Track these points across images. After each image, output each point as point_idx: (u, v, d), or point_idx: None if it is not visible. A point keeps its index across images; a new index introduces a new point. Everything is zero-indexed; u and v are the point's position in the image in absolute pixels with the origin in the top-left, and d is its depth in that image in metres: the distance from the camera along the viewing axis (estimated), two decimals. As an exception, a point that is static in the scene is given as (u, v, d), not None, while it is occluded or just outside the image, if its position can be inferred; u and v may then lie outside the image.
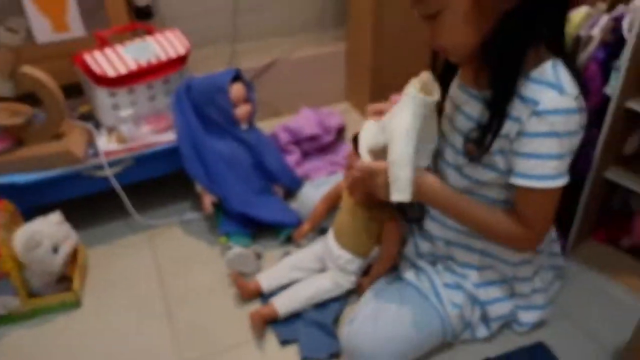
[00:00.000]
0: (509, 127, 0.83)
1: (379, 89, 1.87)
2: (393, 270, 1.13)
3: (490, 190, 0.93)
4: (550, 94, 0.80)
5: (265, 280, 1.22)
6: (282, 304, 1.14)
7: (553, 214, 0.89)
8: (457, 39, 0.81)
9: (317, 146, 1.70)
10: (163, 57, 1.45)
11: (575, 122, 0.82)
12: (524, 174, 0.83)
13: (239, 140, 1.42)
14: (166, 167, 1.45)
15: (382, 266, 1.12)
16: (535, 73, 0.81)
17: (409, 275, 1.06)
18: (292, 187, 1.50)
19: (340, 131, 1.80)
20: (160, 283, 1.31)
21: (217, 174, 1.38)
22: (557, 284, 1.14)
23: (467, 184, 0.95)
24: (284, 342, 1.12)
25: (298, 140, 1.67)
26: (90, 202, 1.46)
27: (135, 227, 1.46)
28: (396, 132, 0.87)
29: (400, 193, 0.86)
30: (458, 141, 0.94)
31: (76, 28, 1.58)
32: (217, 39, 1.91)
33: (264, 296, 1.22)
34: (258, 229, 1.39)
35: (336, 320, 1.15)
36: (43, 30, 1.55)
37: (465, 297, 1.00)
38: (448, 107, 0.99)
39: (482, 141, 0.86)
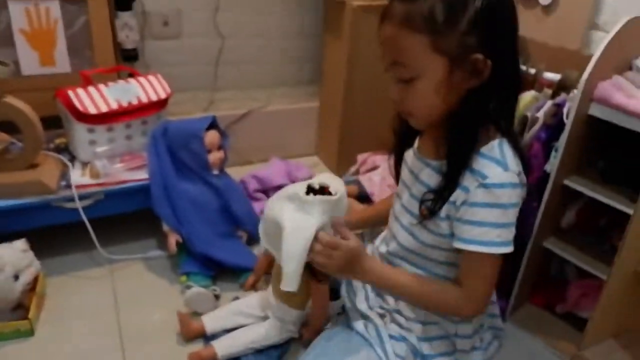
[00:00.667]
0: (457, 195, 0.93)
1: (346, 146, 1.98)
2: (342, 318, 1.19)
3: (434, 252, 1.02)
4: (496, 169, 0.90)
5: (210, 322, 1.26)
6: (222, 347, 1.18)
7: (495, 279, 0.97)
8: (424, 106, 0.91)
9: (283, 195, 1.77)
10: (144, 100, 1.53)
11: (518, 195, 0.91)
12: (470, 240, 0.92)
13: (208, 185, 1.49)
14: (135, 204, 1.50)
15: (315, 319, 1.18)
16: (485, 149, 0.91)
17: (358, 325, 1.12)
18: (255, 233, 1.56)
19: (307, 183, 1.89)
20: (116, 317, 1.33)
21: (183, 215, 1.44)
22: (495, 343, 1.21)
23: (415, 245, 1.03)
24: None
25: (266, 189, 1.75)
26: (56, 231, 1.48)
27: (98, 260, 1.49)
28: (285, 230, 0.94)
29: (287, 286, 0.95)
30: (414, 206, 1.03)
31: (62, 64, 1.65)
32: (197, 86, 2.00)
33: (207, 337, 1.26)
34: (219, 271, 1.44)
35: (275, 366, 1.21)
36: (30, 63, 1.61)
37: (409, 350, 1.06)
38: (404, 173, 1.08)
39: (434, 205, 0.95)
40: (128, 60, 1.79)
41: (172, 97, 1.65)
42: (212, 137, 1.48)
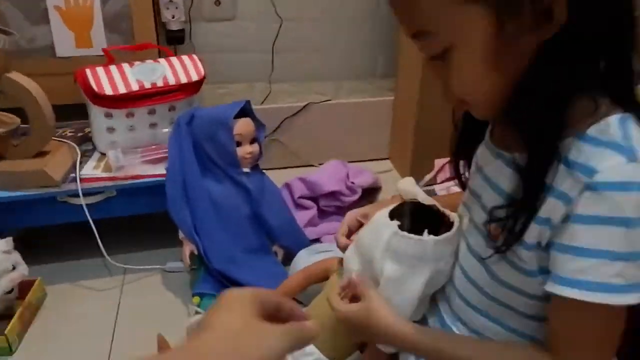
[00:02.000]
0: (551, 206, 0.55)
1: (423, 149, 1.62)
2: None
3: (517, 299, 0.64)
4: (615, 159, 0.52)
5: None
6: None
7: (613, 346, 0.58)
8: (474, 84, 0.56)
9: (337, 205, 1.45)
10: (171, 81, 1.29)
11: None
12: (567, 279, 0.54)
13: (237, 185, 1.21)
14: (153, 205, 1.25)
15: None
16: (593, 130, 0.54)
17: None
18: (295, 249, 1.25)
19: (371, 192, 1.55)
20: (111, 337, 1.10)
21: (203, 221, 1.17)
22: None
23: (489, 283, 0.66)
24: None
25: (315, 196, 1.43)
26: (64, 232, 1.28)
27: (109, 269, 1.27)
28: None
29: None
30: (480, 218, 0.66)
31: (99, 45, 1.48)
32: (252, 76, 1.77)
33: None
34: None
35: None
36: (65, 43, 1.46)
37: None
38: (474, 177, 0.72)
39: (512, 224, 0.59)
40: (172, 43, 1.59)
41: (223, 86, 1.43)
42: (243, 126, 1.19)
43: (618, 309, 0.54)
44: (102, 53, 1.37)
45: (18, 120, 1.23)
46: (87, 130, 1.42)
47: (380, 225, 0.71)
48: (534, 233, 0.56)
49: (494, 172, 0.65)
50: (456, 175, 0.77)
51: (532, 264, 0.58)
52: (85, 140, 1.37)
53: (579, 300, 0.53)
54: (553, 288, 0.55)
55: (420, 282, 0.69)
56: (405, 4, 0.55)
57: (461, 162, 0.75)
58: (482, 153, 0.69)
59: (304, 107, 1.71)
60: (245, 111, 1.21)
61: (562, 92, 0.53)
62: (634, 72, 0.56)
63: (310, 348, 0.85)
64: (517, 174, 0.58)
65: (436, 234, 0.69)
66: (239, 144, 1.19)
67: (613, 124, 0.54)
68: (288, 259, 1.25)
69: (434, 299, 0.76)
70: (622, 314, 0.56)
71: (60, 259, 1.30)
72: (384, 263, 0.70)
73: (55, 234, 1.32)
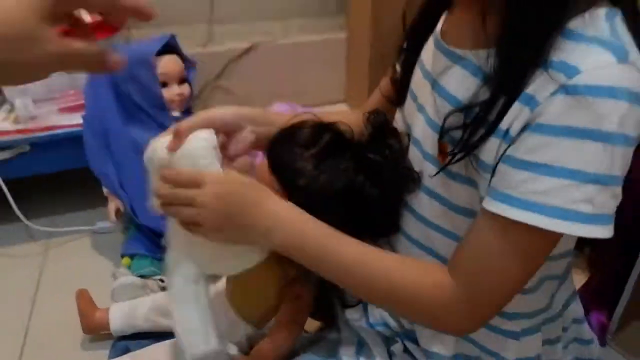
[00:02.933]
0: (514, 114, 0.44)
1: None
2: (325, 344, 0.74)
3: (464, 225, 0.54)
4: (604, 58, 0.41)
5: (119, 317, 0.89)
6: None
7: (525, 276, 0.49)
8: None
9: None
10: (89, 18, 1.13)
11: (637, 117, 0.42)
12: (522, 201, 0.44)
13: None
14: (74, 160, 1.12)
15: (267, 349, 0.72)
16: (577, 24, 0.43)
17: (348, 352, 0.67)
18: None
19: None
20: (30, 308, 0.99)
21: (128, 174, 1.04)
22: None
23: (437, 210, 0.56)
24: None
25: (260, 142, 1.32)
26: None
27: (31, 234, 1.14)
28: None
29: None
30: (428, 137, 0.55)
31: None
32: (191, 18, 1.60)
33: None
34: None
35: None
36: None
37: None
38: (417, 82, 0.60)
39: (471, 133, 0.47)
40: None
41: (163, 28, 1.27)
42: (169, 63, 1.06)
43: (552, 237, 0.45)
44: None
45: None
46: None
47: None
48: (495, 144, 0.46)
49: (448, 77, 0.53)
50: (396, 75, 0.65)
51: (475, 177, 0.48)
52: (-3, 91, 1.21)
53: (531, 225, 0.43)
54: (498, 208, 0.45)
55: None
56: None
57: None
58: (432, 57, 0.57)
59: (249, 48, 1.57)
60: (171, 47, 1.07)
61: None
62: None
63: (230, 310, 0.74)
64: (477, 77, 0.47)
65: None
66: (165, 84, 1.05)
67: (599, 16, 0.42)
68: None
69: None
70: (552, 244, 0.47)
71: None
72: None
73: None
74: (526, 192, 0.43)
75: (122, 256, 1.03)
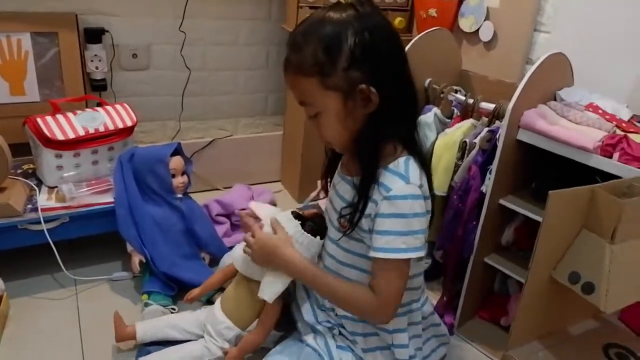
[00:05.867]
0: (370, 208, 1.02)
1: (308, 173, 2.07)
2: (294, 334, 1.25)
3: (363, 262, 1.10)
4: (399, 182, 1.00)
5: (142, 329, 1.30)
6: None
7: (402, 285, 1.04)
8: (333, 134, 1.02)
9: (246, 219, 1.85)
10: (110, 127, 1.61)
11: (420, 205, 1.00)
12: (378, 248, 1.00)
13: (172, 207, 1.56)
14: (100, 227, 1.55)
15: (254, 337, 1.21)
16: (392, 165, 1.02)
17: (309, 338, 1.19)
18: (217, 255, 1.62)
19: (270, 207, 1.97)
20: (79, 338, 1.37)
21: (148, 236, 1.50)
22: (440, 350, 1.29)
23: (343, 255, 1.12)
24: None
25: (228, 213, 1.82)
26: (22, 254, 1.52)
27: (63, 282, 1.53)
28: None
29: (265, 295, 1.13)
30: (334, 218, 1.13)
31: (32, 93, 1.73)
32: (164, 116, 2.08)
33: (140, 350, 1.29)
34: (180, 291, 1.49)
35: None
36: (0, 92, 1.68)
37: (355, 358, 1.14)
38: (331, 190, 1.19)
39: (352, 219, 1.05)
40: (97, 90, 1.87)
41: (140, 126, 1.73)
42: (176, 162, 1.56)
43: (403, 262, 1.00)
44: (34, 100, 1.64)
45: (-23, 162, 1.46)
46: (25, 167, 1.67)
47: (287, 222, 1.15)
48: (366, 222, 1.03)
49: (341, 188, 1.12)
50: (324, 187, 1.23)
51: (368, 240, 1.05)
52: (28, 176, 1.62)
53: (383, 258, 1.00)
54: (371, 253, 1.02)
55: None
56: (295, 89, 1.00)
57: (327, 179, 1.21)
58: (336, 177, 1.16)
59: (210, 142, 2.09)
60: (176, 150, 1.57)
61: (378, 140, 1.00)
62: (417, 130, 1.06)
63: (222, 317, 1.24)
64: (354, 190, 1.05)
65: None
66: (173, 176, 1.55)
67: (401, 161, 1.02)
68: (213, 261, 1.62)
69: None
70: (406, 266, 1.02)
71: (16, 276, 1.53)
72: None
73: (8, 256, 1.54)
74: (383, 244, 1.00)
75: (143, 293, 1.47)
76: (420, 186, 1.00)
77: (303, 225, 1.14)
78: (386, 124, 0.99)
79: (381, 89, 0.95)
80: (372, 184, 1.01)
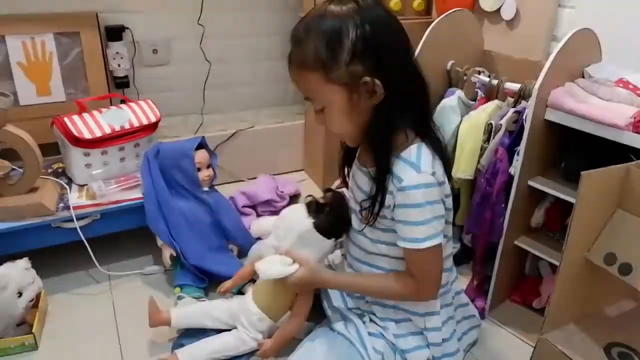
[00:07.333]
0: (388, 199, 1.03)
1: (331, 160, 2.07)
2: (324, 323, 1.27)
3: (390, 250, 1.11)
4: (411, 172, 1.00)
5: (176, 316, 1.32)
6: (186, 356, 1.23)
7: (436, 268, 1.06)
8: (340, 128, 1.03)
9: (272, 210, 1.86)
10: (135, 124, 1.63)
11: (434, 193, 1.01)
12: (403, 238, 1.02)
13: (199, 201, 1.58)
14: (131, 223, 1.58)
15: (288, 329, 1.24)
16: (404, 153, 1.02)
17: (339, 326, 1.20)
18: (245, 246, 1.64)
19: (295, 197, 1.98)
20: (115, 331, 1.40)
21: (177, 230, 1.52)
22: (472, 333, 1.29)
23: (372, 245, 1.13)
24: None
25: (254, 204, 1.83)
26: (56, 252, 1.56)
27: (97, 277, 1.57)
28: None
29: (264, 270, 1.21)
30: (357, 209, 1.13)
31: (57, 93, 1.76)
32: (187, 110, 2.10)
33: (176, 343, 1.33)
34: (211, 283, 1.52)
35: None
36: (27, 93, 1.72)
37: (387, 345, 1.14)
38: (351, 181, 1.19)
39: (372, 210, 1.05)
40: (120, 87, 1.89)
41: (163, 121, 1.75)
42: (201, 156, 1.57)
43: (430, 249, 1.01)
44: (60, 100, 1.67)
45: (8, 163, 1.50)
46: (55, 166, 1.70)
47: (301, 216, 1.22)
48: (388, 212, 1.04)
49: (359, 179, 1.12)
50: (343, 180, 1.23)
51: (391, 227, 1.05)
52: (58, 175, 1.65)
53: (409, 248, 1.01)
54: (399, 243, 1.03)
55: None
56: (299, 84, 1.01)
57: (346, 170, 1.22)
58: (354, 168, 1.16)
59: (233, 134, 2.10)
60: (200, 144, 1.59)
61: (387, 131, 1.00)
62: (430, 117, 1.05)
63: (255, 309, 1.26)
64: (371, 181, 1.05)
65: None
66: (198, 169, 1.56)
67: (413, 149, 1.02)
68: (241, 252, 1.64)
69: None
70: (435, 251, 1.03)
71: (52, 273, 1.57)
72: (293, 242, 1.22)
73: (43, 254, 1.58)
74: (407, 234, 1.01)
75: (175, 286, 1.49)
76: (433, 173, 1.00)
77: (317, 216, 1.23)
78: (394, 114, 0.99)
79: (385, 80, 0.95)
80: (387, 175, 1.00)
